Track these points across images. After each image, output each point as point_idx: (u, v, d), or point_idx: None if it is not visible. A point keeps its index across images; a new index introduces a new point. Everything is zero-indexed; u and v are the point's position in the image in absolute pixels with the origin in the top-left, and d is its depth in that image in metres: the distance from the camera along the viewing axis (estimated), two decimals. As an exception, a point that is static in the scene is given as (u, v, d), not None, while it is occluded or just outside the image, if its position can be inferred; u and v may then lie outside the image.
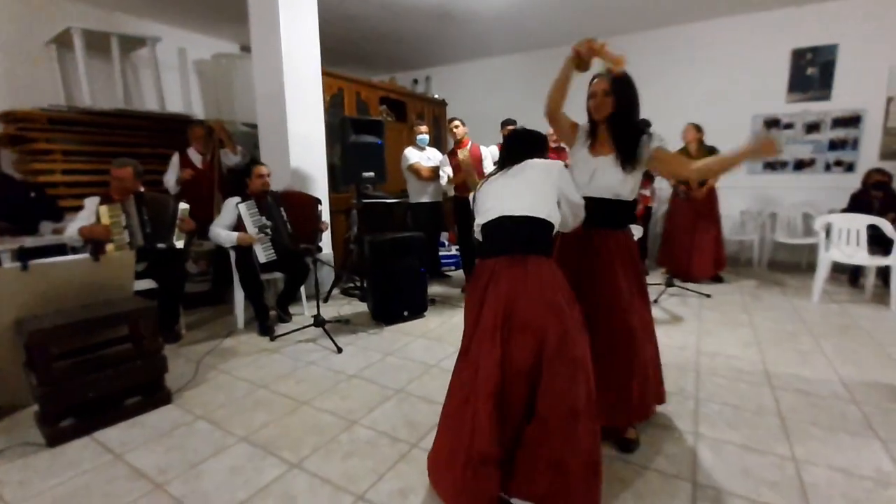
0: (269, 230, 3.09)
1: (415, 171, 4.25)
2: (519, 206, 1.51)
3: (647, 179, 4.86)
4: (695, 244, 4.49)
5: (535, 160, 1.64)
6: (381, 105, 5.20)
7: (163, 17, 4.63)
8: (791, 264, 5.19)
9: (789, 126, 5.08)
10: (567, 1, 4.64)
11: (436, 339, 3.10)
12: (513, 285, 1.44)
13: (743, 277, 4.76)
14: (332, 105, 4.48)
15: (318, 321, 3.04)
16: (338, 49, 5.64)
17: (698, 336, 3.10)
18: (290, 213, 3.31)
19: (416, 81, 7.15)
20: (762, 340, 3.00)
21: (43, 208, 3.59)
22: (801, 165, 5.10)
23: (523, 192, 1.55)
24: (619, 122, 1.78)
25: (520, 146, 1.71)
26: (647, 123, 2.02)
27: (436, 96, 6.66)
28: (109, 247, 2.79)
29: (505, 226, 1.52)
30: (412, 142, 4.38)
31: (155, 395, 2.18)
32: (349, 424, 2.04)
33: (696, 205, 4.48)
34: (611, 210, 1.81)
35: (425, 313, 3.57)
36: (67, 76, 4.03)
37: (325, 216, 3.84)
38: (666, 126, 4.84)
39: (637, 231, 3.75)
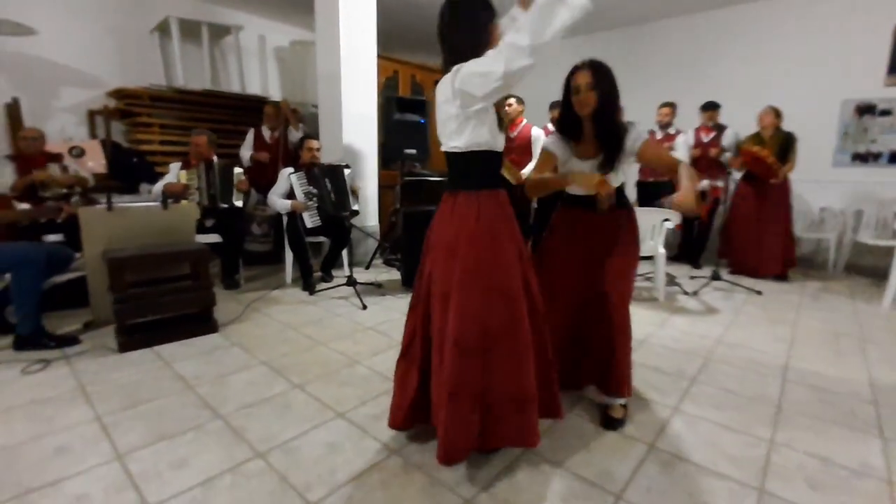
0: (313, 197, 3.46)
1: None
2: (446, 140, 1.48)
3: (722, 170, 4.53)
4: (761, 238, 4.20)
5: (444, 82, 1.40)
6: (437, 87, 5.40)
7: (247, 6, 5.20)
8: (875, 269, 4.63)
9: (886, 112, 4.50)
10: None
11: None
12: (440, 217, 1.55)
13: (812, 279, 4.36)
14: (387, 87, 4.78)
15: (351, 281, 3.36)
16: (402, 34, 5.92)
17: (726, 328, 2.98)
18: (333, 183, 3.66)
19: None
20: (798, 339, 2.81)
21: (143, 172, 4.30)
22: (897, 158, 4.51)
23: (443, 121, 1.46)
24: (603, 117, 1.70)
25: (447, 35, 1.42)
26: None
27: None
28: (184, 202, 3.32)
29: (448, 161, 1.54)
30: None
31: (205, 324, 2.62)
32: (352, 363, 2.31)
33: (764, 194, 4.15)
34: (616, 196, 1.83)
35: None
36: (168, 59, 4.71)
37: (366, 186, 4.16)
38: (742, 111, 4.58)
39: (675, 218, 3.60)
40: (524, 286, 1.49)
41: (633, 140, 1.72)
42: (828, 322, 3.13)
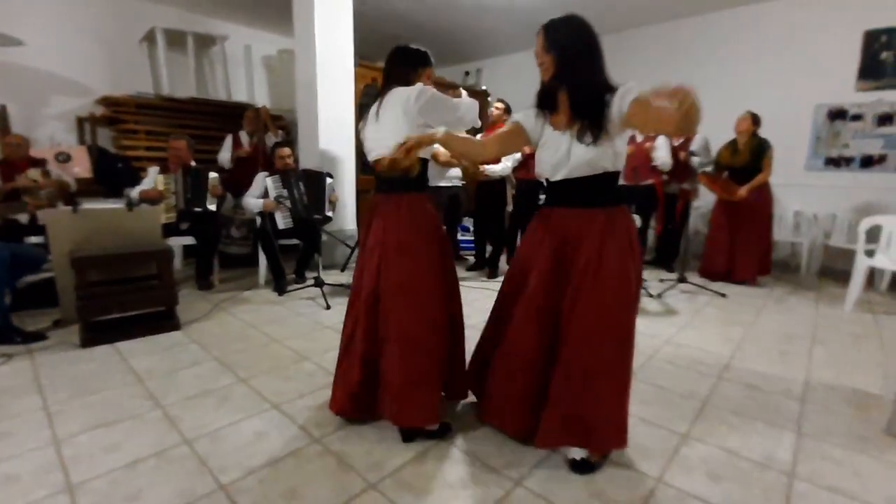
0: (283, 199, 3.58)
1: (433, 156, 4.52)
2: (385, 149, 1.65)
3: (691, 173, 4.59)
4: (734, 246, 4.25)
5: (398, 90, 1.64)
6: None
7: (233, 17, 5.38)
8: (848, 273, 4.61)
9: (857, 117, 4.54)
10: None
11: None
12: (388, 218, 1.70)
13: (783, 282, 4.39)
14: (366, 94, 4.89)
15: (318, 282, 3.46)
16: (380, 42, 6.04)
17: (680, 328, 3.03)
18: (307, 188, 3.77)
19: (467, 73, 7.37)
20: (749, 340, 2.86)
21: (128, 177, 4.44)
22: (869, 162, 4.53)
23: (386, 135, 1.64)
24: (567, 80, 1.46)
25: (388, 70, 1.74)
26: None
27: (483, 87, 6.83)
28: (161, 206, 3.45)
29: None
30: (436, 129, 4.65)
31: (167, 321, 2.73)
32: (301, 359, 2.41)
33: (740, 203, 4.19)
34: (596, 186, 1.49)
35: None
36: (155, 68, 4.88)
37: (343, 190, 4.27)
38: (717, 116, 4.61)
39: (636, 221, 3.66)
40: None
41: (621, 97, 1.37)
42: (784, 324, 3.17)
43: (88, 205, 2.75)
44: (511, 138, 1.64)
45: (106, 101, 4.56)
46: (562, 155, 1.49)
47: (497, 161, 3.91)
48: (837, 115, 4.63)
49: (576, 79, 1.45)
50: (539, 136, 1.60)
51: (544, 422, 1.53)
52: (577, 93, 1.46)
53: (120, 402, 1.94)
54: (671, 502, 1.44)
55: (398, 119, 1.63)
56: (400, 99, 1.63)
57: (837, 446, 1.76)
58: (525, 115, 1.62)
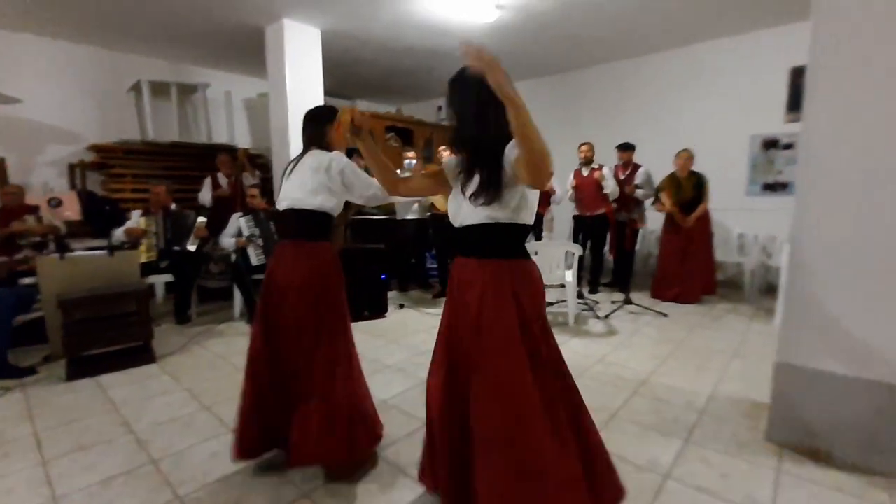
0: (255, 237, 3.92)
1: (399, 191, 4.88)
2: (296, 199, 1.86)
3: (637, 204, 4.97)
4: (685, 269, 4.59)
5: (317, 154, 1.89)
6: (389, 133, 5.93)
7: (214, 65, 5.80)
8: (790, 289, 4.98)
9: (789, 146, 4.95)
10: (557, 32, 4.99)
11: (380, 334, 3.68)
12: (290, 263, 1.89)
13: (727, 301, 4.72)
14: (338, 135, 5.28)
15: (288, 313, 3.77)
16: (358, 84, 6.49)
17: (614, 348, 3.34)
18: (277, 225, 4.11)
19: (440, 108, 7.83)
20: (673, 356, 3.16)
21: (115, 219, 4.76)
22: (801, 187, 4.92)
23: (294, 188, 1.87)
24: (464, 140, 1.46)
25: (303, 132, 1.99)
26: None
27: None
28: (142, 246, 3.77)
29: (290, 216, 1.89)
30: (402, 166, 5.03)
31: (144, 355, 3.02)
32: (263, 387, 2.70)
33: (686, 230, 4.56)
34: (490, 236, 1.44)
35: (386, 314, 4.17)
36: (141, 116, 5.27)
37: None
38: (659, 151, 5.03)
39: (577, 250, 4.00)
40: None
41: (510, 150, 1.35)
42: (712, 340, 3.48)
43: (75, 250, 3.07)
44: (436, 179, 1.64)
45: (95, 148, 4.92)
46: (458, 203, 1.49)
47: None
48: (771, 144, 5.05)
49: (472, 137, 1.42)
50: (455, 179, 1.54)
51: None
52: (474, 151, 1.44)
53: (97, 427, 2.22)
54: (554, 500, 1.72)
55: (309, 177, 1.86)
56: (315, 162, 1.88)
57: (716, 452, 2.04)
58: (448, 162, 1.60)
